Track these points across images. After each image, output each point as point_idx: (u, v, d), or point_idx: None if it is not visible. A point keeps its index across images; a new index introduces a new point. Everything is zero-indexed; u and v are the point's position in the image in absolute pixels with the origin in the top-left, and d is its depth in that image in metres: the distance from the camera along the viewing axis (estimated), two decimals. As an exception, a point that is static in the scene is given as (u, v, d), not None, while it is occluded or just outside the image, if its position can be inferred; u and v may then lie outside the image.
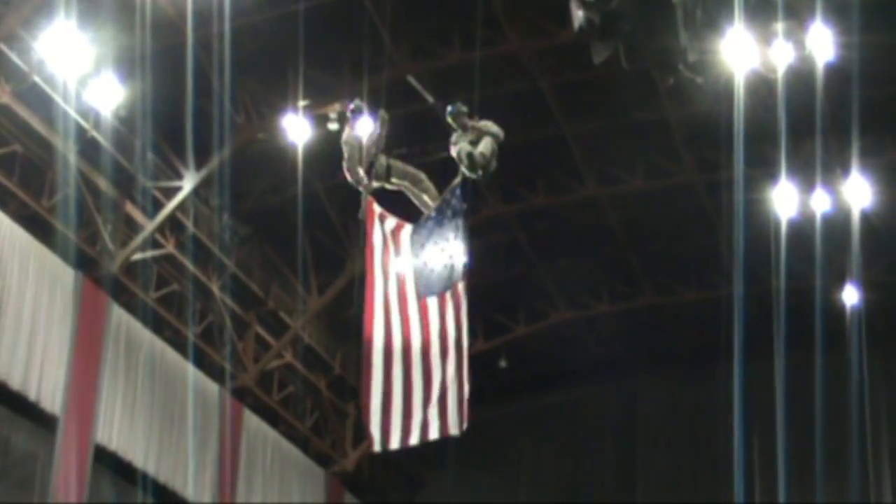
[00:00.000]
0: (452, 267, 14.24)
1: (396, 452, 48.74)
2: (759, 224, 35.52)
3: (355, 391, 43.11)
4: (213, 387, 38.11)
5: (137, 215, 35.00)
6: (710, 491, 49.39)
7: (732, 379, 38.81)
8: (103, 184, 33.68)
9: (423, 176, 14.82)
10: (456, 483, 52.35)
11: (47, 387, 32.12)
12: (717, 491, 49.17)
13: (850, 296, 39.28)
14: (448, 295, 14.22)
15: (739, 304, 31.44)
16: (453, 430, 14.39)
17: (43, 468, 36.38)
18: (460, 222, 14.37)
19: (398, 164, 14.76)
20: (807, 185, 35.79)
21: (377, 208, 14.57)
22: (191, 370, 37.07)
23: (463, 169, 14.03)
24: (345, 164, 14.63)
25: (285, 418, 42.45)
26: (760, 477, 50.56)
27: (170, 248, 36.65)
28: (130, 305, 35.29)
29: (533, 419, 50.85)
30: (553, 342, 46.77)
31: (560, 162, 38.65)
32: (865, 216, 36.79)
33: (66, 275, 32.50)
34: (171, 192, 35.36)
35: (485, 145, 14.35)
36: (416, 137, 30.04)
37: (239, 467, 39.08)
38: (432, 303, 14.17)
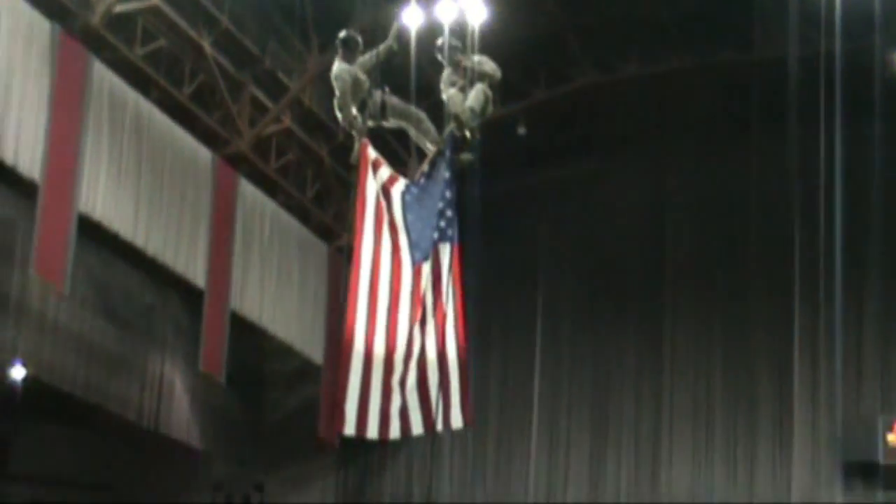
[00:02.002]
0: (445, 229, 13.36)
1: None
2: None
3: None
4: (204, 153, 37.32)
5: (118, -38, 33.80)
6: (741, 270, 49.55)
7: (773, 152, 38.17)
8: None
9: (423, 116, 13.64)
10: (465, 255, 52.19)
11: (25, 150, 31.24)
12: (746, 269, 49.40)
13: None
14: (430, 258, 13.28)
15: (791, 66, 30.43)
16: (456, 423, 13.70)
17: (24, 238, 36.05)
18: (448, 174, 13.39)
19: (396, 102, 13.55)
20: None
21: (372, 153, 13.49)
22: (181, 134, 36.44)
23: (452, 123, 13.20)
24: (336, 102, 13.28)
25: (284, 188, 41.82)
26: (802, 261, 50.54)
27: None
28: (114, 63, 34.36)
29: (552, 192, 50.29)
30: (577, 108, 46.00)
31: None
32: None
33: (42, 28, 31.32)
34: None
35: (475, 97, 13.28)
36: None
37: (234, 240, 38.56)
38: (425, 269, 13.32)
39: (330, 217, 43.76)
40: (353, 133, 13.35)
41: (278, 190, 41.31)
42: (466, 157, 13.00)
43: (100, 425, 45.95)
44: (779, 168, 42.19)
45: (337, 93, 13.13)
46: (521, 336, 50.39)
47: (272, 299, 40.17)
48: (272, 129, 40.40)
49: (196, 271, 37.29)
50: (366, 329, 13.16)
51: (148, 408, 42.26)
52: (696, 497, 49.58)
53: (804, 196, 40.43)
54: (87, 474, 50.21)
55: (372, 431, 13.43)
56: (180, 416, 44.00)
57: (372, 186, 13.33)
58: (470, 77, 13.43)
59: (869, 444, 47.62)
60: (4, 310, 36.59)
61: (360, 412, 13.24)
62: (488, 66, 13.54)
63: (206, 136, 37.67)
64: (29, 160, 31.53)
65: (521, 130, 45.08)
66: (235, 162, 38.55)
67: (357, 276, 13.14)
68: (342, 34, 13.30)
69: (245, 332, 41.26)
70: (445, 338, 13.31)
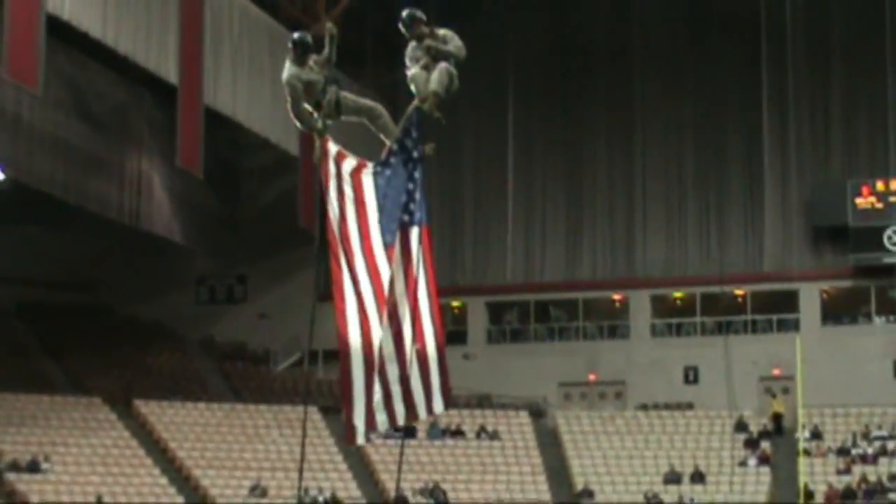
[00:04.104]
0: (414, 212, 13.14)
1: (371, 21, 48.46)
2: None
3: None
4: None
5: None
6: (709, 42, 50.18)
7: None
8: None
9: (380, 110, 13.17)
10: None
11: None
12: (713, 42, 49.94)
13: None
14: (398, 240, 13.06)
15: None
16: (437, 409, 13.53)
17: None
18: (417, 155, 13.14)
19: (349, 98, 13.24)
20: None
21: (333, 147, 13.14)
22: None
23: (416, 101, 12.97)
24: (289, 107, 12.99)
25: (251, -19, 42.02)
26: (769, 32, 51.03)
27: None
28: None
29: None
30: None
31: None
32: None
33: None
34: None
35: (439, 78, 12.94)
36: None
37: (204, 37, 38.96)
38: (397, 252, 13.15)
39: (299, 9, 44.04)
40: (314, 133, 13.27)
41: (245, -16, 41.38)
42: (430, 146, 13.18)
43: (82, 225, 47.01)
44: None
45: (289, 99, 13.01)
46: (493, 123, 51.24)
47: (245, 93, 40.84)
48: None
49: (168, 68, 37.90)
50: (356, 326, 13.18)
51: (128, 205, 43.24)
52: (670, 270, 51.27)
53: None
54: (73, 275, 51.52)
55: (380, 426, 13.20)
56: (160, 212, 45.03)
57: (334, 181, 13.28)
58: (434, 55, 13.31)
59: (838, 208, 49.54)
60: (-23, 114, 37.31)
61: (366, 418, 13.26)
62: (453, 44, 13.34)
63: (170, -68, 37.61)
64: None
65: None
66: (200, -43, 38.54)
67: (338, 273, 13.08)
68: (294, 36, 13.13)
69: (220, 127, 42.07)
70: (422, 324, 13.26)
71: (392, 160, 13.08)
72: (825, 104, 49.89)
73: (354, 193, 13.23)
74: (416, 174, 13.17)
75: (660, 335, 50.63)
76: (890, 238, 47.57)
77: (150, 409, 45.66)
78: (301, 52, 13.11)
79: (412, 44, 13.32)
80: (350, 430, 13.15)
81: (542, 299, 51.70)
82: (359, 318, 13.11)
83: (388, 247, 13.08)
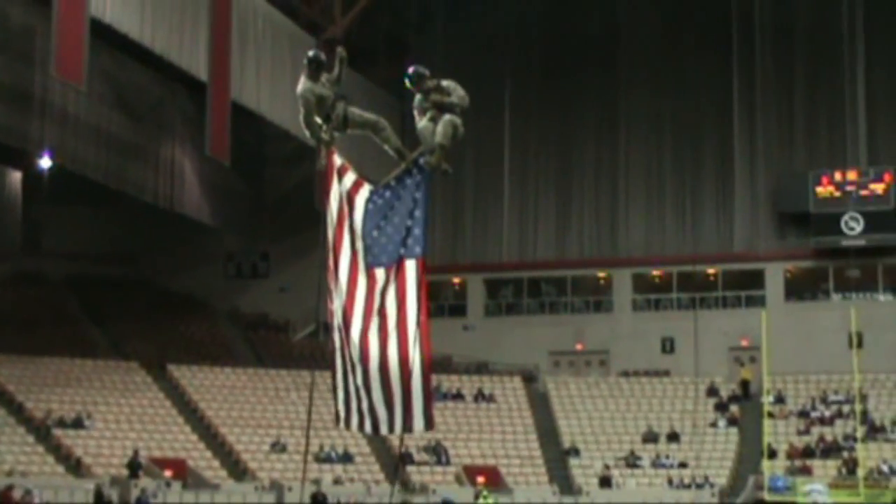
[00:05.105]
0: (406, 242, 12.76)
1: (382, 21, 48.37)
2: None
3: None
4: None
5: None
6: (686, 42, 50.24)
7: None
8: None
9: (384, 124, 12.94)
10: (443, 28, 52.80)
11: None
12: (689, 42, 49.92)
13: None
14: (394, 270, 12.70)
15: None
16: (418, 427, 13.09)
17: (42, 42, 36.62)
18: (420, 196, 12.84)
19: (355, 113, 13.07)
20: None
21: (338, 160, 12.94)
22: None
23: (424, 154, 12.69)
24: (301, 120, 12.83)
25: (273, -12, 42.05)
26: (739, 33, 51.19)
27: None
28: None
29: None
30: None
31: None
32: None
33: None
34: None
35: (444, 131, 12.63)
36: None
37: (232, 38, 39.12)
38: (380, 275, 12.78)
39: (317, 13, 44.11)
40: (321, 144, 13.10)
41: (268, -10, 41.46)
42: (446, 168, 13.02)
43: (121, 207, 47.16)
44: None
45: (302, 111, 12.90)
46: (492, 122, 51.03)
47: (268, 89, 40.90)
48: (261, -66, 40.29)
49: (199, 66, 37.97)
50: (339, 328, 12.92)
51: (163, 189, 43.34)
52: (650, 250, 51.34)
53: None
54: (115, 251, 51.66)
55: (353, 425, 12.90)
56: (192, 195, 45.14)
57: (336, 192, 13.04)
58: (440, 104, 13.05)
59: (800, 196, 49.63)
60: (30, 108, 37.41)
61: (346, 409, 13.02)
62: (456, 95, 13.05)
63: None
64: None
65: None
66: (228, -34, 38.58)
67: (331, 279, 12.85)
68: (310, 54, 13.00)
69: (246, 119, 42.14)
70: (408, 347, 12.85)
71: (388, 194, 12.80)
72: (789, 102, 49.91)
73: (349, 209, 12.97)
74: (417, 213, 12.77)
75: (640, 309, 50.72)
76: (847, 223, 47.63)
77: (182, 373, 45.89)
78: (315, 69, 12.97)
79: (418, 97, 13.10)
80: (336, 414, 13.04)
81: (534, 276, 51.81)
82: (342, 322, 12.82)
83: (369, 267, 12.71)
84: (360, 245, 12.69)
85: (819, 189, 48.06)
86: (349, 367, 12.79)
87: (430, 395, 12.83)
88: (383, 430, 12.93)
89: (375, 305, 12.74)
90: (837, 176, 48.02)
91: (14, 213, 48.47)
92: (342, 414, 12.85)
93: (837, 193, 47.78)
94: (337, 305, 12.88)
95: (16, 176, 47.85)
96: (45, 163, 41.59)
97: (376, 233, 12.70)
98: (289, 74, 41.64)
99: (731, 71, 50.03)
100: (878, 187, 47.50)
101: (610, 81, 51.21)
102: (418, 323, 12.70)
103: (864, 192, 47.55)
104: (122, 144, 41.38)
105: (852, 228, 47.54)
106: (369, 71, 45.42)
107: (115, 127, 41.02)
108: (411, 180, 12.79)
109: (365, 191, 12.82)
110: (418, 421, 12.74)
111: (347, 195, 12.75)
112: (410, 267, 12.80)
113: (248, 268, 54.03)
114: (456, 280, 51.96)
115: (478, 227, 52.39)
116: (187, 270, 52.17)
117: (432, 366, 13.24)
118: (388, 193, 12.79)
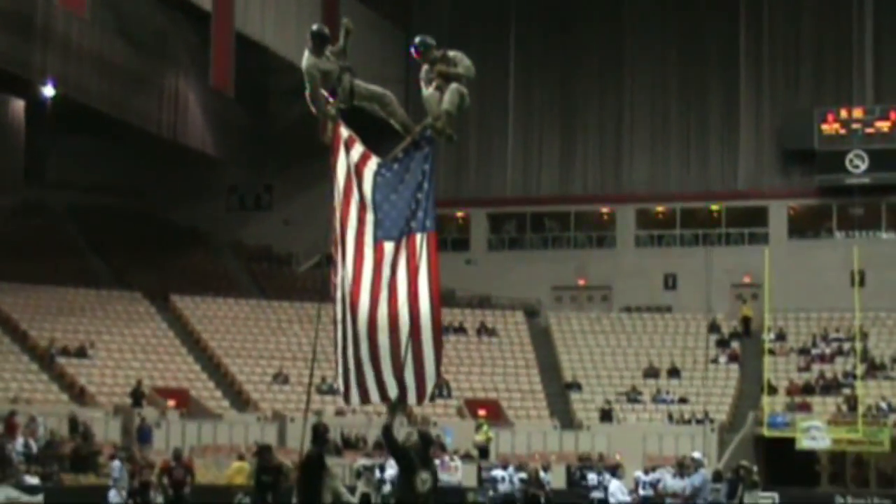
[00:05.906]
0: (416, 215, 12.54)
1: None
2: None
3: None
4: None
5: None
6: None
7: None
8: None
9: (390, 98, 12.64)
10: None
11: None
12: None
13: None
14: (404, 243, 12.49)
15: None
16: (410, 398, 12.87)
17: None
18: (428, 168, 12.59)
19: (361, 86, 12.76)
20: None
21: (344, 132, 12.30)
22: None
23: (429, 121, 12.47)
24: (307, 94, 12.51)
25: (278, -83, 41.61)
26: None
27: None
28: None
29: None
30: None
31: None
32: None
33: None
34: None
35: (451, 99, 12.39)
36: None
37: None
38: (389, 248, 12.53)
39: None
40: (328, 117, 12.87)
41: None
42: (450, 133, 12.79)
43: (124, 137, 46.93)
44: None
45: (308, 87, 12.66)
46: (497, 56, 50.63)
47: (273, 20, 40.63)
48: None
49: (203, -3, 37.61)
50: (341, 301, 12.76)
51: (166, 120, 43.16)
52: (654, 187, 51.16)
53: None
54: (119, 182, 51.47)
55: (354, 400, 12.72)
56: (195, 127, 44.95)
57: (343, 164, 12.84)
58: (445, 77, 12.87)
59: (805, 133, 49.30)
60: (32, 36, 37.15)
61: (345, 384, 12.87)
62: (462, 65, 12.90)
63: None
64: None
65: None
66: None
67: (336, 251, 12.63)
68: (313, 28, 12.74)
69: (250, 50, 41.83)
70: (420, 319, 12.31)
71: (396, 166, 12.62)
72: (796, 39, 49.53)
73: (357, 182, 12.82)
74: (426, 185, 12.65)
75: (643, 245, 50.68)
76: (852, 161, 47.43)
77: (184, 304, 45.93)
78: (319, 44, 12.75)
79: (425, 67, 12.96)
80: (341, 390, 12.89)
81: (537, 211, 51.70)
82: (346, 294, 12.64)
83: (377, 241, 12.53)
84: (369, 217, 12.55)
85: (824, 126, 47.79)
86: (349, 341, 12.65)
87: (440, 365, 12.68)
88: (374, 398, 12.72)
89: (384, 278, 12.60)
90: (843, 113, 47.73)
91: (17, 142, 48.29)
92: (341, 389, 12.75)
93: (843, 131, 47.53)
94: (341, 278, 12.69)
95: (19, 104, 47.61)
96: (49, 91, 41.28)
97: (386, 206, 12.56)
98: (294, 6, 41.44)
99: (738, 7, 49.61)
100: (884, 125, 47.26)
101: (616, 18, 50.76)
102: (431, 297, 12.58)
103: (869, 130, 47.32)
104: (125, 74, 41.12)
105: (857, 166, 47.35)
106: (374, 1, 45.19)
107: (118, 57, 40.75)
108: (419, 153, 12.68)
109: (373, 163, 12.66)
110: (429, 389, 12.63)
111: (355, 167, 12.58)
112: (421, 241, 12.67)
113: (252, 200, 53.94)
114: (459, 214, 51.86)
115: (481, 161, 52.19)
116: (191, 202, 52.05)
117: (442, 339, 12.99)
118: (396, 166, 12.69)
